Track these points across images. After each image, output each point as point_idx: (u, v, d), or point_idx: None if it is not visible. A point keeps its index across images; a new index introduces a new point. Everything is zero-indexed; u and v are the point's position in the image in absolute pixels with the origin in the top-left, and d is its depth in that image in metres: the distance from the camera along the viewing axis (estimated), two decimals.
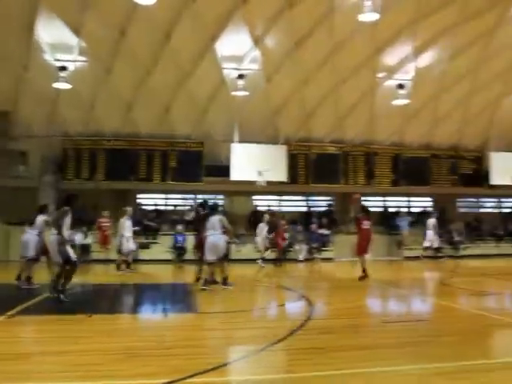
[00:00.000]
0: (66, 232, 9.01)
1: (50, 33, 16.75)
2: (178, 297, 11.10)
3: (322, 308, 9.29)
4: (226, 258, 11.30)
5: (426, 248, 20.11)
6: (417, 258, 19.83)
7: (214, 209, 11.38)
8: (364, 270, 12.50)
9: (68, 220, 9.00)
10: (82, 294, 10.91)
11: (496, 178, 22.87)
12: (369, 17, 15.03)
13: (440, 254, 20.18)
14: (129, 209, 15.34)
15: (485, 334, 6.68)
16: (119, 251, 14.99)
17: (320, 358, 5.35)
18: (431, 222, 19.81)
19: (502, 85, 20.99)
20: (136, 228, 16.55)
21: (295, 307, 9.27)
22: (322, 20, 17.24)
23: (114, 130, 20.99)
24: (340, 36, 17.86)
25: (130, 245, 14.96)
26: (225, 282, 10.82)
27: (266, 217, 18.27)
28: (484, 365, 5.11)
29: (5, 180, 20.05)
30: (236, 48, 18.26)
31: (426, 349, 5.73)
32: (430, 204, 24.77)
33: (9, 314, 7.56)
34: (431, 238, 19.79)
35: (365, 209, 13.65)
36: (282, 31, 17.61)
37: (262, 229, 17.94)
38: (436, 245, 20.08)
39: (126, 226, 14.83)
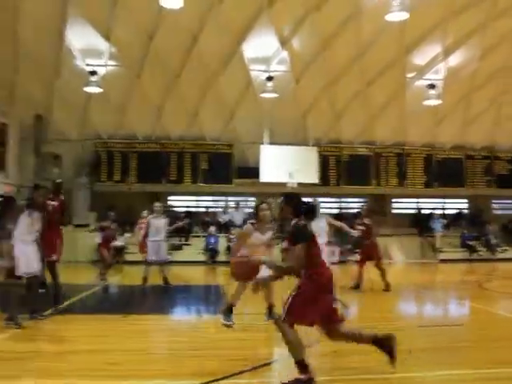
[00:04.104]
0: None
1: (80, 38, 17.01)
2: (211, 298, 11.06)
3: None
4: None
5: None
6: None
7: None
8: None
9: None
10: (117, 294, 10.96)
11: None
12: (397, 16, 14.78)
13: None
14: (157, 204, 11.77)
15: None
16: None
17: None
18: None
19: None
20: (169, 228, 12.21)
21: None
22: (349, 20, 17.06)
23: (145, 133, 21.24)
24: (368, 36, 17.63)
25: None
26: None
27: None
28: None
29: (40, 182, 20.44)
30: (263, 50, 18.19)
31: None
32: (465, 206, 24.16)
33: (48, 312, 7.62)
34: None
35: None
36: (309, 32, 17.45)
37: None
38: None
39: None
